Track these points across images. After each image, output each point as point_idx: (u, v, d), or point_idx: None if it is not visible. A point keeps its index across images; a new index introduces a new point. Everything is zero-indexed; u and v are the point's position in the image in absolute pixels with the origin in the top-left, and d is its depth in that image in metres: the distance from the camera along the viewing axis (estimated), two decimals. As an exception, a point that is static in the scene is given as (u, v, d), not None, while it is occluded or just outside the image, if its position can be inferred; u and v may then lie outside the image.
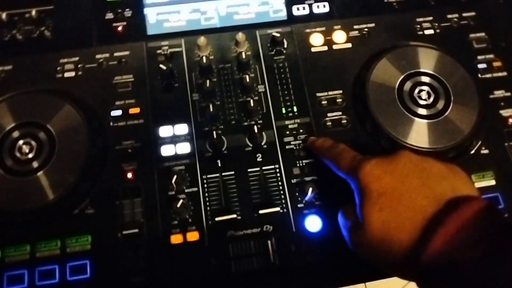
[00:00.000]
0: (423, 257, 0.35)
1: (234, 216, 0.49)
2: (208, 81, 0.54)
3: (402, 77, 0.56)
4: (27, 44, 0.58)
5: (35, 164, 0.49)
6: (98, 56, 0.57)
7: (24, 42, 0.58)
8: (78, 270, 0.47)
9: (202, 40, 0.56)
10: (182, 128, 0.54)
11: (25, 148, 0.50)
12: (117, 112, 0.54)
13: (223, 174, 0.52)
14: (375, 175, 0.40)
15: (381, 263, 0.40)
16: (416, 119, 0.54)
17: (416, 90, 0.55)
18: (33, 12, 0.59)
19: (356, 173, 0.41)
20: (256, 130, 0.52)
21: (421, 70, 0.56)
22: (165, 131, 0.54)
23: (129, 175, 0.51)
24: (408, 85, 0.56)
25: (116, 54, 0.57)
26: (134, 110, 0.54)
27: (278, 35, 0.57)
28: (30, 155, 0.50)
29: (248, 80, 0.55)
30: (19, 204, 0.48)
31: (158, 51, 0.58)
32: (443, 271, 0.34)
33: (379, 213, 0.38)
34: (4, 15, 0.59)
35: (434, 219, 0.36)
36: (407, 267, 0.37)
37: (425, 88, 0.56)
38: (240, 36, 0.57)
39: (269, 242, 0.49)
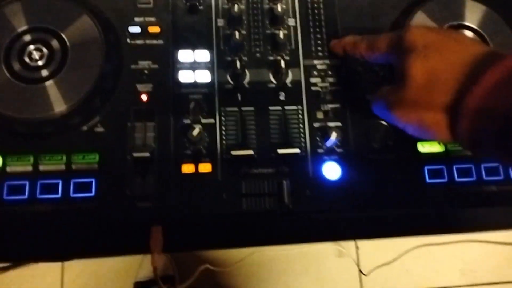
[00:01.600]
0: (469, 99, 0.34)
1: (251, 152, 0.47)
2: (236, 6, 0.50)
3: (445, 27, 0.52)
4: None
5: (44, 72, 0.46)
6: (119, -35, 0.52)
7: None
8: (82, 188, 0.45)
9: (235, -40, 0.51)
10: (203, 55, 0.50)
11: (36, 54, 0.47)
12: (135, 29, 0.50)
13: (242, 108, 0.49)
14: (422, 33, 0.40)
15: (422, 119, 0.39)
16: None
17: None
18: None
19: (400, 38, 0.41)
20: (283, 66, 0.48)
21: (465, 23, 0.52)
22: (184, 55, 0.50)
23: (144, 97, 0.48)
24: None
25: (139, -35, 0.53)
26: (154, 29, 0.50)
27: (317, -35, 0.52)
28: (40, 62, 0.47)
29: (279, 10, 0.50)
30: (24, 112, 0.45)
31: (185, -32, 0.53)
32: (488, 113, 0.34)
33: (424, 59, 0.38)
34: None
35: (484, 60, 0.35)
36: (451, 116, 0.37)
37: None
38: (277, -39, 0.52)
39: (284, 183, 0.46)
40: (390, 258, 1.25)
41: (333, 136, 0.46)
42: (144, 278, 1.21)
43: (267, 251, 1.23)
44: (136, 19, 0.51)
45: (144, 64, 0.49)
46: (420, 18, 0.51)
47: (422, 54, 0.38)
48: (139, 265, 1.25)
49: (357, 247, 1.30)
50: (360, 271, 1.28)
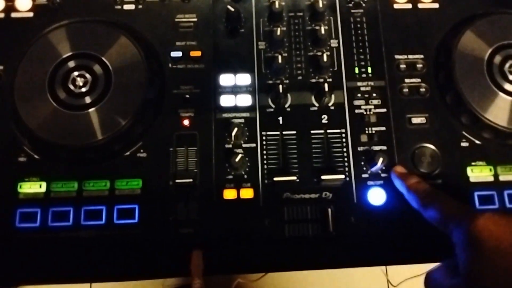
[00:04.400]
0: None
1: (293, 178, 0.46)
2: (278, 29, 0.49)
3: (493, 48, 0.50)
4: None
5: (87, 99, 0.47)
6: (161, -10, 0.52)
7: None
8: (126, 214, 0.45)
9: (277, -17, 0.51)
10: (244, 78, 0.50)
11: (79, 81, 0.47)
12: (177, 54, 0.50)
13: (284, 132, 0.48)
14: (490, 230, 0.33)
15: None
16: (501, 94, 0.48)
17: (507, 64, 0.49)
18: None
19: (464, 224, 0.35)
20: (326, 89, 0.47)
21: (516, 42, 0.50)
22: (226, 79, 0.50)
23: (186, 122, 0.48)
24: (498, 57, 0.49)
25: (180, -11, 0.53)
26: (195, 53, 0.50)
27: (361, -15, 0.51)
28: (84, 89, 0.47)
29: (322, 32, 0.49)
30: (69, 139, 0.45)
31: (225, -9, 0.53)
32: None
33: (495, 268, 0.32)
34: None
35: None
36: None
37: (518, 63, 0.49)
38: (319, -18, 0.51)
39: (329, 210, 0.45)
40: (419, 270, 1.22)
41: (380, 161, 0.45)
42: (171, 286, 1.22)
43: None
44: (178, 43, 0.51)
45: (185, 88, 0.49)
46: (469, 38, 0.49)
47: (490, 264, 0.32)
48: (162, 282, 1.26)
49: (386, 257, 1.27)
50: (389, 282, 1.25)
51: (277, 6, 0.50)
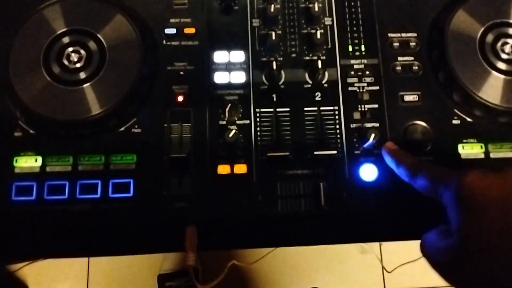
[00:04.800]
0: None
1: (286, 153, 0.47)
2: (272, 6, 0.49)
3: (485, 26, 0.50)
4: None
5: (82, 75, 0.47)
6: (155, -33, 0.52)
7: None
8: (121, 188, 0.46)
9: (271, -41, 0.51)
10: (238, 55, 0.50)
11: (74, 57, 0.47)
12: (171, 30, 0.50)
13: (277, 109, 0.49)
14: (478, 185, 0.33)
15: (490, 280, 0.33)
16: (494, 72, 0.49)
17: (500, 43, 0.50)
18: None
19: (452, 184, 0.35)
20: (319, 66, 0.47)
21: (510, 21, 0.50)
22: (220, 56, 0.50)
23: (180, 98, 0.48)
24: (490, 36, 0.50)
25: (174, -33, 0.53)
26: (189, 30, 0.50)
27: (354, -37, 0.51)
28: (78, 65, 0.47)
29: (316, 9, 0.49)
30: (63, 113, 0.46)
31: (220, -32, 0.53)
32: None
33: (487, 223, 0.32)
34: None
35: None
36: None
37: (510, 41, 0.50)
38: (313, -41, 0.51)
39: (321, 185, 0.46)
40: (414, 255, 1.23)
41: (372, 137, 0.45)
42: (167, 270, 1.23)
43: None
44: (172, 20, 0.51)
45: (180, 65, 0.49)
46: (461, 17, 0.49)
47: (483, 218, 0.32)
48: (163, 258, 1.27)
49: (380, 244, 1.29)
50: (384, 268, 1.26)
51: (272, -17, 0.50)
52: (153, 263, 1.29)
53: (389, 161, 0.46)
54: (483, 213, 0.32)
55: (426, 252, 0.37)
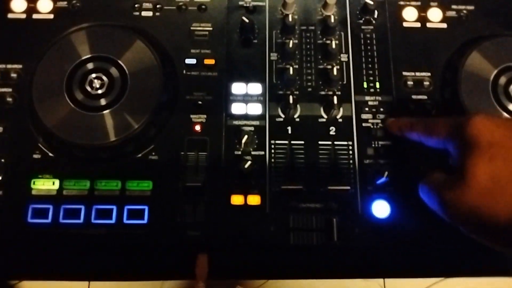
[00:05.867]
0: None
1: (300, 187, 0.47)
2: (291, 41, 0.51)
3: (499, 69, 0.51)
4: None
5: (103, 102, 0.48)
6: (178, -1, 0.54)
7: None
8: (135, 214, 0.46)
9: (291, -4, 0.52)
10: (255, 88, 0.51)
11: (96, 83, 0.49)
12: (191, 61, 0.52)
13: (292, 142, 0.50)
14: (486, 127, 0.36)
15: (482, 224, 0.35)
16: (505, 114, 0.50)
17: (512, 86, 0.51)
18: None
19: (461, 128, 0.37)
20: (335, 101, 0.48)
21: (521, 64, 0.52)
22: (238, 88, 0.51)
23: (197, 127, 0.49)
24: (503, 79, 0.51)
25: (196, -1, 0.54)
26: (209, 61, 0.52)
27: (371, 2, 0.53)
28: (100, 91, 0.48)
29: (333, 46, 0.51)
30: (83, 138, 0.46)
31: (240, 3, 0.55)
32: None
33: (489, 163, 0.34)
34: None
35: None
36: None
37: (522, 84, 0.51)
38: (332, -2, 0.53)
39: (334, 220, 0.46)
40: (418, 285, 1.22)
41: (385, 174, 0.46)
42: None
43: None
44: (193, 50, 0.52)
45: (198, 95, 0.51)
46: (475, 58, 0.50)
47: (487, 155, 0.35)
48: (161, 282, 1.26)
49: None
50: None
51: (290, 19, 0.52)
52: (154, 285, 1.27)
53: (398, 133, 0.48)
54: (492, 151, 0.34)
55: (430, 191, 0.40)
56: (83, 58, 0.49)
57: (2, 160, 0.47)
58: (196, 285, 0.48)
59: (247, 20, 0.51)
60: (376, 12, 0.54)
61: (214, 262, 0.48)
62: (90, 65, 0.49)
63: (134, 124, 0.47)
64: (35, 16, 0.53)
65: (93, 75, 0.49)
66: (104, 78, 0.49)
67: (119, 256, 0.46)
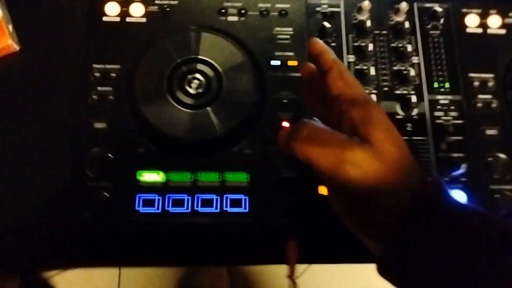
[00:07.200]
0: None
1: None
2: (371, 44, 0.55)
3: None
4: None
5: (203, 99, 0.52)
6: (260, 5, 0.58)
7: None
8: (236, 203, 0.50)
9: (366, 4, 0.57)
10: (335, 87, 0.56)
11: (195, 83, 0.53)
12: (276, 62, 0.56)
13: (371, 137, 0.54)
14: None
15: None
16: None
17: None
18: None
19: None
20: (413, 100, 0.53)
21: None
22: (319, 87, 0.55)
23: (285, 123, 0.54)
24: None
25: (277, 5, 0.59)
26: (292, 63, 0.56)
27: (440, 9, 0.58)
28: (200, 90, 0.52)
29: (408, 50, 0.56)
30: (188, 133, 0.50)
31: (317, 9, 0.59)
32: None
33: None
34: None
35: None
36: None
37: None
38: (404, 5, 0.57)
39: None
40: None
41: (463, 167, 0.51)
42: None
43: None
44: (277, 53, 0.56)
45: (284, 94, 0.55)
46: (536, 63, 0.55)
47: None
48: (193, 273, 1.30)
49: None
50: None
51: (368, 24, 0.56)
52: (184, 276, 1.32)
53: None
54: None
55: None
56: (178, 60, 0.53)
57: (110, 155, 0.51)
58: (288, 269, 0.53)
59: (328, 25, 0.56)
60: (442, 18, 0.59)
61: (303, 247, 0.52)
62: (186, 67, 0.53)
63: (231, 121, 0.51)
64: (128, 19, 0.57)
65: (190, 76, 0.53)
66: (201, 78, 0.53)
67: (223, 243, 0.50)
